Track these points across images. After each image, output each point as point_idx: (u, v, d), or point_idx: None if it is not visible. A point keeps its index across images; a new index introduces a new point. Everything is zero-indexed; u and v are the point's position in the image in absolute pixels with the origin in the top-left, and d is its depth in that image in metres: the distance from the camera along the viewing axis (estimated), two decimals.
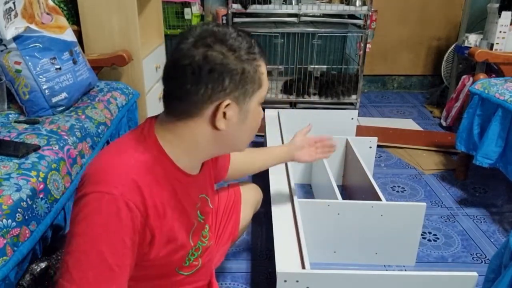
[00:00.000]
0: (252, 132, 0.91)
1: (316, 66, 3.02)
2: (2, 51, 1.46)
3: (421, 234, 1.69)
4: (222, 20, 2.88)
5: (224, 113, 0.81)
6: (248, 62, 0.81)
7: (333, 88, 2.99)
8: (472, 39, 2.78)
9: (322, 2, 3.00)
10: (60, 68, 1.57)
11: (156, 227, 0.81)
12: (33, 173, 1.13)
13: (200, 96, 0.79)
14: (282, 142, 2.04)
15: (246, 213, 1.35)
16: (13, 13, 1.45)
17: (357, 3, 2.87)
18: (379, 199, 1.59)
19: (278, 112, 2.37)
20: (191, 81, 0.78)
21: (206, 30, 0.80)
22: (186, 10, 2.85)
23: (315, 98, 3.03)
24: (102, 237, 0.73)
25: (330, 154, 1.45)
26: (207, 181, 1.01)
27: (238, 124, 0.85)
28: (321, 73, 3.05)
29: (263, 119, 2.49)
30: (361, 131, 2.60)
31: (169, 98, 0.84)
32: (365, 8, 2.83)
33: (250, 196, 1.38)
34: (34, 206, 1.08)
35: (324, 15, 3.03)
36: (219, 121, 0.82)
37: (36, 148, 1.24)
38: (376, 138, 2.12)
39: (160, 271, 0.90)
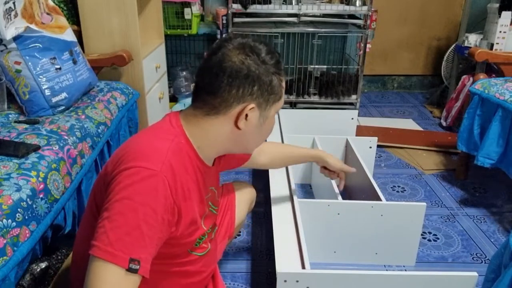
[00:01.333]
0: (263, 137, 1.03)
1: (316, 66, 3.03)
2: (2, 51, 1.46)
3: (421, 234, 1.69)
4: (222, 20, 2.88)
5: (247, 115, 0.91)
6: (275, 76, 0.93)
7: (333, 88, 2.98)
8: (472, 39, 2.78)
9: (322, 2, 3.00)
10: (60, 68, 1.57)
11: (183, 207, 0.88)
12: (33, 173, 1.13)
13: (231, 95, 0.90)
14: (282, 142, 2.04)
15: (240, 210, 1.38)
16: (13, 13, 1.45)
17: (357, 3, 2.86)
18: (379, 199, 1.59)
19: (278, 112, 2.37)
20: (227, 80, 0.89)
21: (245, 42, 0.92)
22: (186, 10, 2.84)
23: (315, 98, 3.03)
24: (140, 206, 0.79)
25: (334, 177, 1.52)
26: (216, 176, 1.10)
27: (255, 127, 0.95)
28: (321, 73, 3.05)
29: None
30: (361, 131, 2.60)
31: (201, 92, 0.93)
32: (365, 8, 2.83)
33: (243, 194, 1.42)
34: (34, 206, 1.08)
35: (324, 15, 3.02)
36: (241, 121, 0.92)
37: (36, 148, 1.24)
38: (376, 138, 2.12)
39: (176, 251, 0.95)
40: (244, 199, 1.41)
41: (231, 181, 1.46)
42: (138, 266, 0.77)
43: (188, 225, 0.91)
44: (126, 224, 0.78)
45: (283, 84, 0.97)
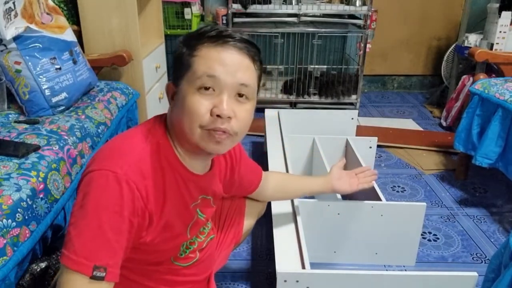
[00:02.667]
0: (185, 118, 0.84)
1: (316, 66, 3.03)
2: (2, 51, 1.46)
3: (421, 234, 1.69)
4: (222, 20, 2.88)
5: (172, 96, 0.89)
6: (186, 47, 0.86)
7: (333, 88, 2.99)
8: (472, 39, 2.78)
9: (322, 2, 3.00)
10: (60, 68, 1.57)
11: (155, 212, 0.84)
12: (33, 173, 1.13)
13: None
14: (282, 142, 2.04)
15: (250, 217, 1.32)
16: (13, 13, 1.45)
17: (357, 3, 2.87)
18: (379, 199, 1.59)
19: (278, 112, 2.37)
20: None
21: None
22: (186, 10, 2.85)
23: (315, 98, 3.03)
24: (103, 211, 0.76)
25: (373, 182, 1.44)
26: (213, 184, 1.01)
27: (175, 105, 0.88)
28: (321, 73, 3.06)
29: (263, 119, 2.46)
30: (361, 131, 2.60)
31: None
32: (365, 8, 2.83)
33: (254, 201, 1.34)
34: (34, 206, 1.08)
35: (324, 15, 3.03)
36: (170, 102, 0.90)
37: (36, 148, 1.24)
38: (376, 138, 2.12)
39: (155, 258, 0.92)
40: (255, 206, 1.34)
41: None
42: (103, 273, 0.75)
43: (160, 231, 0.87)
44: (89, 230, 0.75)
45: (199, 52, 0.84)
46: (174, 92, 0.89)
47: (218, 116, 0.82)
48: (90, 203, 0.77)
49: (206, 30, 0.85)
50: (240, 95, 0.85)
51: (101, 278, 0.75)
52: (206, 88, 0.82)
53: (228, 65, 0.82)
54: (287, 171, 1.75)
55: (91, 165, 0.82)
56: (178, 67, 0.86)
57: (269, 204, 1.51)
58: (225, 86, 0.82)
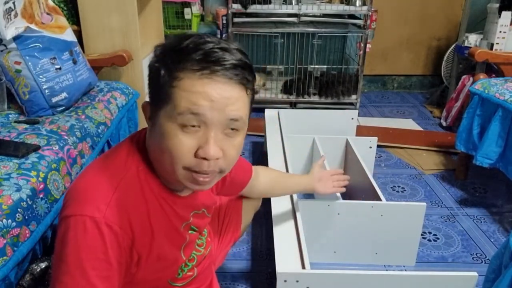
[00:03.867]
0: (165, 156, 0.75)
1: (316, 66, 3.02)
2: (2, 51, 1.46)
3: (421, 234, 1.69)
4: (222, 20, 2.88)
5: (150, 117, 0.78)
6: (167, 66, 0.73)
7: (333, 88, 2.99)
8: (472, 39, 2.78)
9: (322, 2, 3.00)
10: (60, 68, 1.57)
11: (143, 247, 0.79)
12: (33, 173, 1.13)
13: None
14: (282, 142, 2.04)
15: (247, 213, 1.34)
16: (13, 13, 1.45)
17: (357, 3, 2.87)
18: (379, 199, 1.59)
19: (278, 112, 2.37)
20: None
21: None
22: (186, 10, 2.85)
23: (315, 98, 3.03)
24: (87, 261, 0.71)
25: (344, 188, 1.45)
26: (204, 199, 0.95)
27: (153, 131, 0.77)
28: (321, 73, 3.06)
29: (263, 119, 2.46)
30: (361, 131, 2.60)
31: None
32: (365, 8, 2.83)
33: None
34: (34, 206, 1.08)
35: (324, 15, 3.03)
36: (148, 123, 0.79)
37: (36, 148, 1.24)
38: (376, 138, 2.12)
39: (151, 285, 0.88)
40: (251, 202, 1.34)
41: None
42: None
43: (152, 263, 0.82)
44: (75, 285, 0.70)
45: (179, 81, 0.71)
46: (151, 114, 0.78)
47: (203, 158, 0.73)
48: (71, 255, 0.70)
49: (189, 50, 0.72)
50: (230, 128, 0.75)
51: None
52: (192, 125, 0.72)
53: (216, 100, 0.71)
54: (287, 171, 1.74)
55: (67, 206, 0.74)
56: (155, 91, 0.76)
57: (269, 204, 1.51)
58: (212, 123, 0.72)
